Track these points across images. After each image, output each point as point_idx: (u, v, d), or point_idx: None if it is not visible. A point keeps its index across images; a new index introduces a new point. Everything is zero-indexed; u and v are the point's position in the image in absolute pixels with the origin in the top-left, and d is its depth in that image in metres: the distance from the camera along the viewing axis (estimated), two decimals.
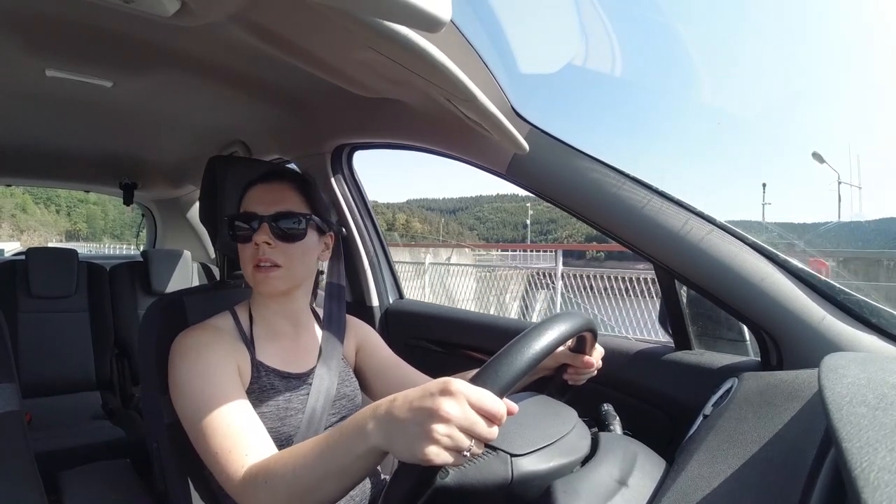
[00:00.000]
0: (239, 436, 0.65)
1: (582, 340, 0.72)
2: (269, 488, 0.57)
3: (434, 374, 0.96)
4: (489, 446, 0.52)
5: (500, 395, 0.47)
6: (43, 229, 62.10)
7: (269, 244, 0.77)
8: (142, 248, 3.05)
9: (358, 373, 0.95)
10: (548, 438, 0.56)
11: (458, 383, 0.45)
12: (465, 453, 0.45)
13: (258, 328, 0.83)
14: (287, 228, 0.78)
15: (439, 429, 0.44)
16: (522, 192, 0.99)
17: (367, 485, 0.82)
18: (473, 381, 0.48)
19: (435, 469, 0.47)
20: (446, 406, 0.44)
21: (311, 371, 0.84)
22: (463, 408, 0.44)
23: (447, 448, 0.44)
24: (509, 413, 0.48)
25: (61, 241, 52.18)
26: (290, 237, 0.78)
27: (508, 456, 0.53)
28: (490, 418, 0.45)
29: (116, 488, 0.92)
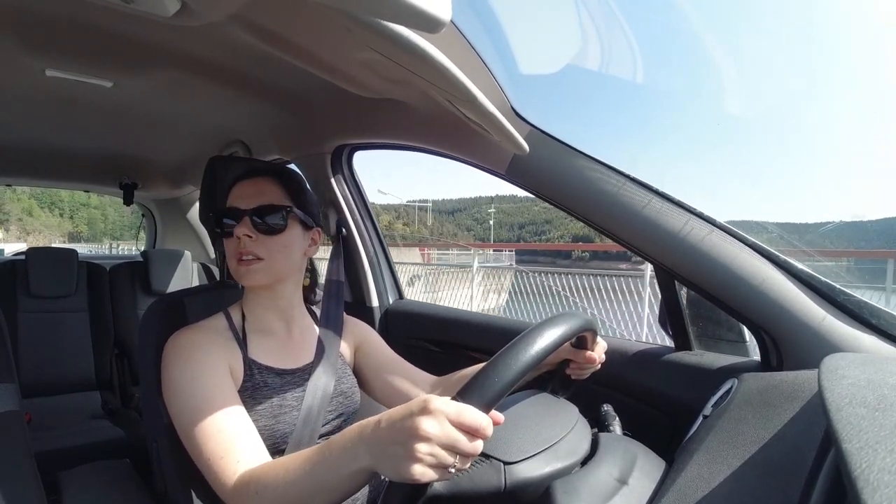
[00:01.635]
0: (230, 441, 0.66)
1: (583, 337, 0.72)
2: (259, 499, 0.58)
3: (434, 374, 0.96)
4: (483, 454, 0.52)
5: (487, 408, 0.47)
6: (47, 231, 62.94)
7: (250, 237, 0.77)
8: (142, 247, 3.04)
9: (359, 372, 0.95)
10: (543, 444, 0.56)
11: (437, 402, 0.46)
12: (450, 469, 0.46)
13: (250, 325, 0.83)
14: (267, 221, 0.79)
15: (421, 448, 0.44)
16: (522, 193, 0.99)
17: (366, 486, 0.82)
18: (458, 396, 0.48)
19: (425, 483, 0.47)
20: (426, 425, 0.44)
21: (307, 367, 0.84)
22: (443, 426, 0.45)
23: (431, 466, 0.45)
24: (496, 424, 0.48)
25: (64, 241, 53.20)
26: (270, 230, 0.79)
27: (501, 464, 0.53)
28: (472, 433, 0.46)
29: (116, 488, 0.92)
